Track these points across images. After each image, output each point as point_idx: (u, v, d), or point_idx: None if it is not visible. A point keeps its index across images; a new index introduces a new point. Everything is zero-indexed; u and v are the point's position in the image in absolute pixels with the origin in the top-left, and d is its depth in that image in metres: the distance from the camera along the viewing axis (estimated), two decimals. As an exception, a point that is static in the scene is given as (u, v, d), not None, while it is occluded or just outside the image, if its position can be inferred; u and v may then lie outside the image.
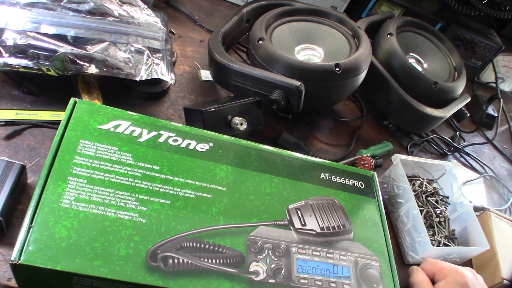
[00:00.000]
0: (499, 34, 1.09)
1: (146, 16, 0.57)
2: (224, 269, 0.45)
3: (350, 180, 0.62)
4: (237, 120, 0.60)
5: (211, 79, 0.72)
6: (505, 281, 0.67)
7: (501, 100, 1.00)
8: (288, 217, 0.53)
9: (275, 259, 0.48)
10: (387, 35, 0.80)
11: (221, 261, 0.45)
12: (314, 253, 0.51)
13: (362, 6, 0.94)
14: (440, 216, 0.73)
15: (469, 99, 0.85)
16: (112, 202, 0.45)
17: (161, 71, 0.55)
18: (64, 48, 0.51)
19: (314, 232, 0.53)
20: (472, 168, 0.90)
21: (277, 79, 0.62)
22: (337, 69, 0.64)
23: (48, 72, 0.53)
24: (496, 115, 1.01)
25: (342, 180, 0.61)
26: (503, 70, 1.11)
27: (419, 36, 0.88)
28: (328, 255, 0.52)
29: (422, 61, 0.86)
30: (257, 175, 0.55)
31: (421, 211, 0.72)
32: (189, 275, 0.43)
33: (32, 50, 0.51)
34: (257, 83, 0.64)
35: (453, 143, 0.90)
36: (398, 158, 0.71)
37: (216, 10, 0.87)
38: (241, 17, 0.76)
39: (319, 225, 0.54)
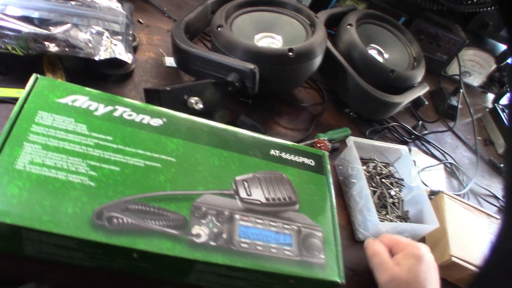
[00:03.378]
0: (464, 29, 1.15)
1: (107, 2, 0.62)
2: (166, 230, 0.49)
3: (300, 158, 0.66)
4: (192, 99, 0.65)
5: (174, 65, 0.76)
6: (453, 258, 0.71)
7: (462, 90, 1.05)
8: (234, 187, 0.57)
9: (218, 224, 0.52)
10: (347, 26, 0.85)
11: (164, 223, 0.49)
12: (257, 221, 0.55)
13: (327, 0, 0.99)
14: (394, 197, 0.77)
15: (427, 88, 0.89)
16: (63, 166, 0.49)
17: (119, 51, 0.60)
18: (28, 29, 0.56)
19: (259, 202, 0.57)
20: (433, 156, 0.94)
21: (232, 63, 0.67)
22: (290, 53, 0.68)
23: (13, 51, 0.57)
24: (458, 106, 1.06)
25: (292, 157, 0.65)
26: (469, 64, 1.16)
27: (380, 28, 0.93)
28: (271, 223, 0.56)
29: (383, 51, 0.91)
30: (208, 149, 0.59)
31: (374, 192, 0.76)
32: (132, 234, 0.47)
33: (-1, 30, 0.55)
34: (215, 67, 0.69)
35: (414, 131, 0.94)
36: (351, 140, 0.75)
37: (185, 3, 0.91)
38: (206, 8, 0.80)
39: (264, 196, 0.58)
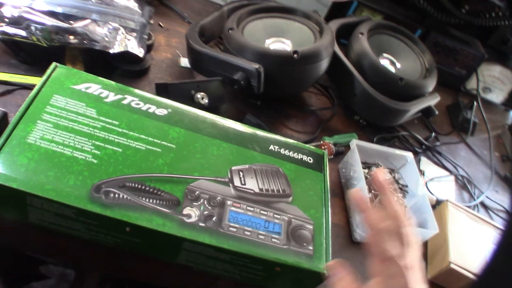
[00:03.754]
0: (485, 44, 1.14)
1: (125, 1, 0.68)
2: (159, 208, 0.52)
3: (299, 155, 0.68)
4: (199, 94, 0.69)
5: (188, 66, 0.81)
6: (452, 265, 0.70)
7: (476, 103, 1.04)
8: (229, 175, 0.60)
9: (209, 207, 0.55)
10: (359, 34, 0.88)
11: (157, 201, 0.53)
12: (248, 208, 0.57)
13: (343, 11, 1.02)
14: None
15: (438, 98, 0.90)
16: (70, 143, 0.53)
17: (132, 46, 0.65)
18: (51, 22, 0.62)
19: (252, 191, 0.59)
20: (444, 167, 0.94)
21: (239, 62, 0.71)
22: (295, 55, 0.71)
23: (38, 43, 0.63)
24: (476, 120, 1.05)
25: (291, 153, 0.67)
26: (489, 80, 1.15)
27: (393, 38, 0.94)
28: (262, 212, 0.58)
29: (395, 61, 0.92)
30: (208, 139, 0.63)
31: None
32: (125, 208, 0.51)
33: (26, 23, 0.61)
34: (224, 67, 0.73)
35: (424, 142, 0.94)
36: (354, 142, 0.76)
37: (206, 11, 0.97)
38: (222, 14, 0.85)
39: (258, 186, 0.60)
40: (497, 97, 1.19)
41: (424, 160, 0.92)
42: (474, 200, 0.89)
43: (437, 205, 0.82)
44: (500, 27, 1.09)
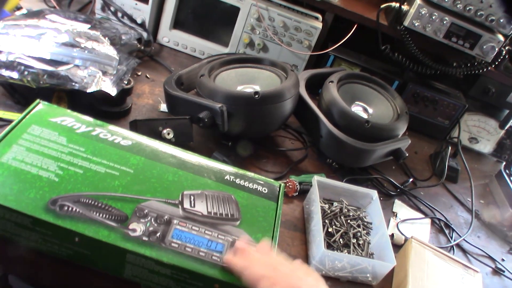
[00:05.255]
0: (466, 94, 1.19)
1: (105, 49, 0.81)
2: (106, 221, 0.59)
3: (254, 185, 0.74)
4: (165, 130, 0.78)
5: (167, 110, 0.92)
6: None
7: (460, 152, 1.07)
8: (180, 198, 0.66)
9: (155, 224, 0.62)
10: (329, 82, 0.96)
11: (106, 216, 0.60)
12: (193, 227, 0.63)
13: (321, 65, 1.12)
14: (360, 238, 0.80)
15: (408, 142, 0.95)
16: (38, 164, 0.63)
17: (106, 86, 0.77)
18: (40, 66, 0.75)
19: (200, 214, 0.66)
20: (419, 210, 0.96)
21: (204, 102, 0.81)
22: (256, 96, 0.80)
23: (28, 84, 0.76)
24: (458, 168, 1.07)
25: (246, 183, 0.74)
26: (475, 130, 1.19)
27: (365, 87, 1.02)
28: (207, 232, 0.63)
29: (367, 107, 0.99)
30: (165, 167, 0.71)
31: (338, 231, 0.80)
32: (76, 220, 0.58)
33: (19, 67, 0.75)
34: (194, 108, 0.83)
35: (399, 185, 0.97)
36: (316, 179, 0.82)
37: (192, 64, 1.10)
38: (201, 66, 0.97)
39: (207, 210, 0.67)
40: (484, 147, 1.22)
41: (398, 202, 0.95)
42: (450, 242, 0.90)
43: (404, 243, 0.84)
44: (481, 77, 1.15)
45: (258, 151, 0.93)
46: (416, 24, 0.99)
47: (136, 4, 1.07)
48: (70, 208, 0.59)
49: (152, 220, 0.62)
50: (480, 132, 1.19)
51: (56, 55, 0.76)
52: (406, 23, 1.01)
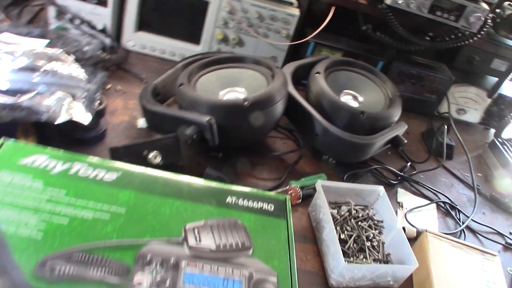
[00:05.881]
0: (451, 67, 1.17)
1: (71, 70, 0.71)
2: (107, 278, 0.52)
3: (259, 203, 0.68)
4: (151, 154, 0.70)
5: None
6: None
7: (453, 126, 1.05)
8: (183, 234, 0.60)
9: (162, 272, 0.55)
10: (315, 74, 0.90)
11: (106, 271, 0.53)
12: (204, 267, 0.57)
13: (301, 54, 1.06)
14: (374, 240, 0.76)
15: (405, 127, 0.91)
16: (15, 220, 0.54)
17: (77, 114, 0.68)
18: (-3, 98, 0.65)
19: (208, 249, 0.59)
20: (424, 196, 0.93)
21: (189, 117, 0.73)
22: (246, 103, 0.74)
23: (-15, 118, 0.66)
24: (452, 143, 1.05)
25: (250, 203, 0.68)
26: (462, 101, 1.17)
27: (352, 73, 0.97)
28: (220, 269, 0.57)
29: (357, 95, 0.95)
30: (160, 199, 0.63)
31: (350, 236, 0.76)
32: (72, 282, 0.51)
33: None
34: (177, 123, 0.75)
35: (399, 173, 0.94)
36: (320, 184, 0.77)
37: (165, 70, 1.00)
38: (176, 71, 0.89)
39: (215, 243, 0.60)
40: (474, 117, 1.21)
41: (401, 191, 0.92)
42: (460, 226, 0.88)
43: (418, 237, 0.81)
44: (464, 47, 1.12)
45: (250, 159, 0.86)
46: (399, 2, 0.94)
47: (94, 8, 0.96)
48: (62, 270, 0.51)
49: (158, 266, 0.55)
50: (467, 103, 1.17)
51: (15, 83, 0.66)
52: (388, 1, 0.95)
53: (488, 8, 0.97)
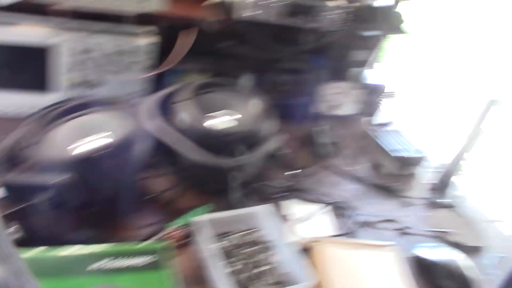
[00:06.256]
0: (316, 66, 1.20)
1: None
2: None
3: (134, 259, 0.64)
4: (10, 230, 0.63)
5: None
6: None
7: (331, 123, 1.08)
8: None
9: None
10: (175, 104, 0.88)
11: None
12: None
13: (167, 82, 1.01)
14: (264, 264, 0.74)
15: (284, 137, 0.91)
16: None
17: None
18: None
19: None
20: (311, 201, 0.93)
21: (36, 181, 0.66)
22: (97, 154, 0.70)
23: None
24: (336, 141, 1.09)
25: (123, 261, 0.63)
26: (333, 97, 1.22)
27: (217, 94, 0.95)
28: None
29: (231, 114, 0.91)
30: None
31: (240, 269, 0.72)
32: None
33: None
34: (30, 191, 0.67)
35: (281, 185, 0.94)
36: (195, 221, 0.73)
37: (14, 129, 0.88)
38: (25, 130, 0.80)
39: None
40: (349, 110, 1.25)
41: (284, 203, 0.91)
42: (353, 223, 0.89)
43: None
44: (326, 46, 1.15)
45: (121, 209, 0.78)
46: (246, 14, 0.94)
47: None
48: None
49: None
50: (340, 98, 1.22)
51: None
52: (234, 16, 0.95)
53: (338, 5, 1.00)
